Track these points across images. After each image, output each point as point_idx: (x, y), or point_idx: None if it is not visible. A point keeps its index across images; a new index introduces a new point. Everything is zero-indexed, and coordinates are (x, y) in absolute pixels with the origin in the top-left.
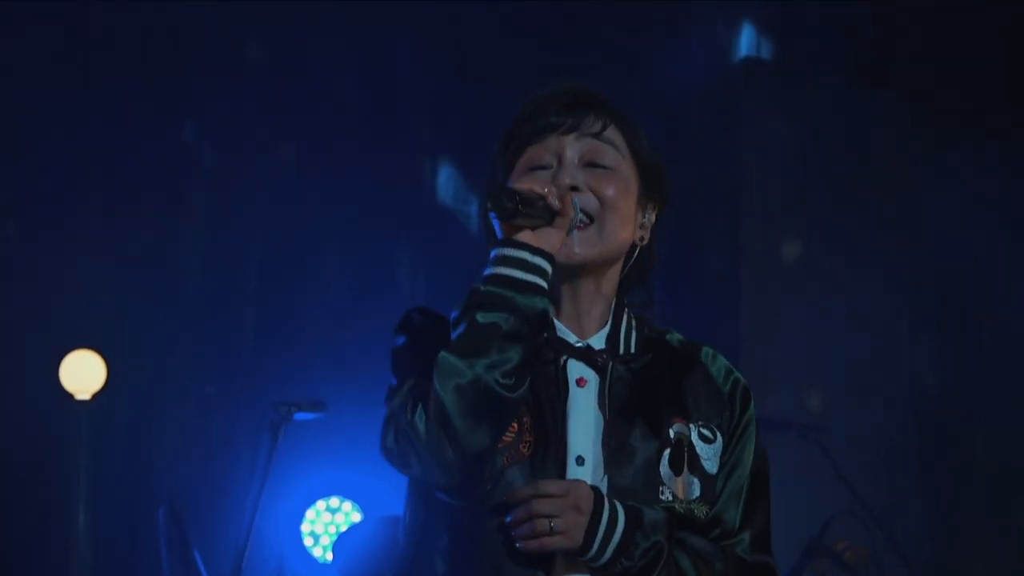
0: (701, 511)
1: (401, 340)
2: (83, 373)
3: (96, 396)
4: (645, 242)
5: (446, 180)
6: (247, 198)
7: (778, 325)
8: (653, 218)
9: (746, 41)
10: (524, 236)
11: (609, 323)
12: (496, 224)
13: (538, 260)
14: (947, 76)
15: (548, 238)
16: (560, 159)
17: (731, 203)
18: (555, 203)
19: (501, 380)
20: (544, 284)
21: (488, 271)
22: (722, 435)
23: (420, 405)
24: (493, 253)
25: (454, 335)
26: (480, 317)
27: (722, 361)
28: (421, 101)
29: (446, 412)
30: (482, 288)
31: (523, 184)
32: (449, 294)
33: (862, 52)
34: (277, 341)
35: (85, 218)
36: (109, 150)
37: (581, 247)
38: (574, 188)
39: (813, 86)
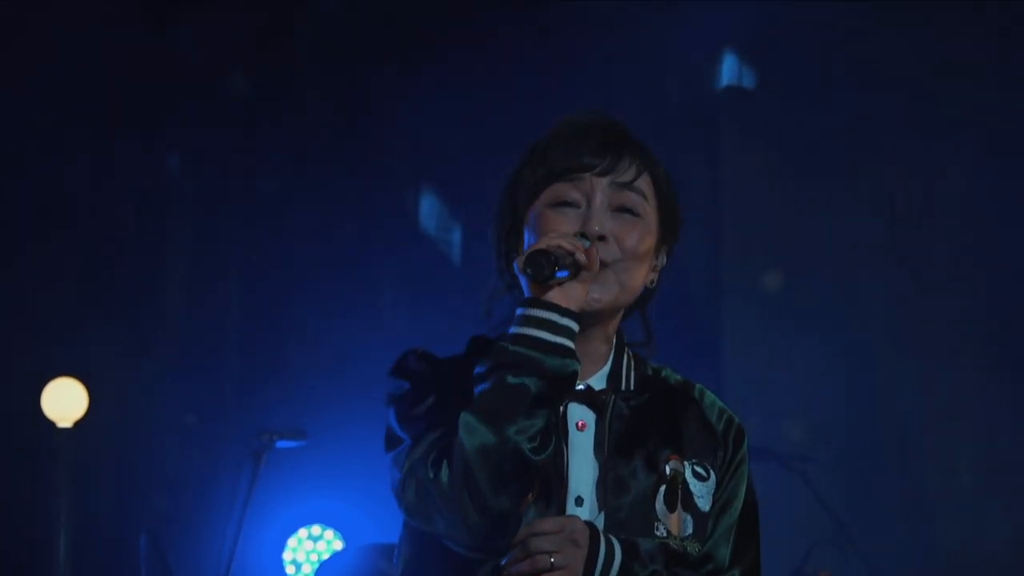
0: (694, 548)
1: (403, 387)
2: (65, 401)
3: (78, 424)
4: (654, 284)
5: (429, 209)
6: (229, 228)
7: (760, 354)
8: (665, 260)
9: (727, 69)
10: (553, 295)
11: (610, 362)
12: (524, 281)
13: (567, 321)
14: (926, 104)
15: (573, 293)
16: (590, 201)
17: (712, 231)
18: (583, 259)
19: (528, 444)
20: (572, 345)
21: (514, 330)
22: (715, 473)
23: (444, 462)
24: (519, 311)
25: (478, 390)
26: (509, 378)
27: (714, 399)
28: (403, 130)
29: (472, 475)
30: (510, 348)
31: (552, 241)
32: (430, 323)
33: (841, 80)
34: (258, 370)
35: (67, 247)
36: (91, 180)
37: (599, 291)
38: (601, 238)
39: (793, 114)
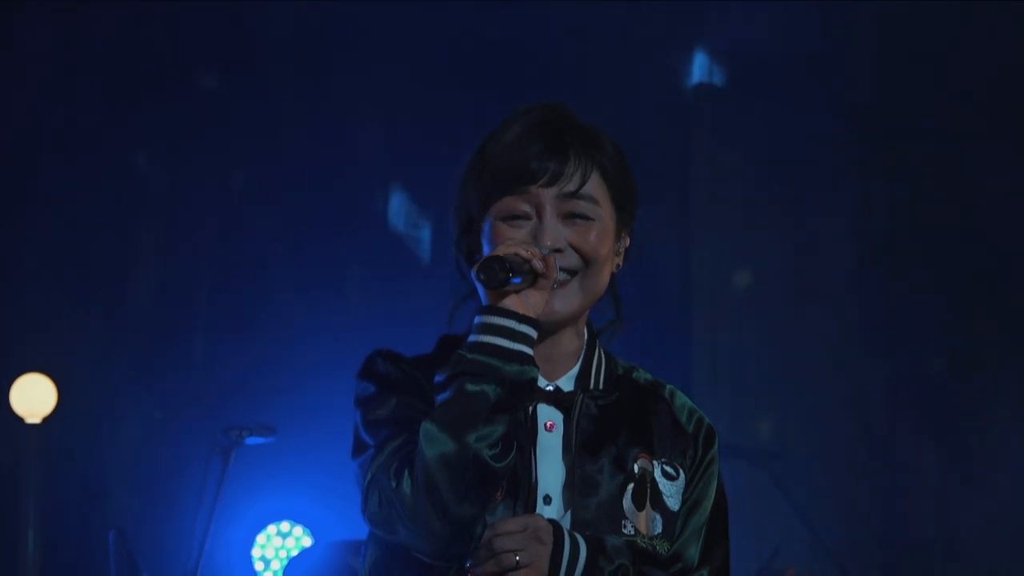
0: (663, 547)
1: (369, 390)
2: (33, 397)
3: (46, 420)
4: (620, 268)
5: (397, 206)
6: (197, 224)
7: (728, 351)
8: (627, 241)
9: (698, 67)
10: (510, 302)
11: (580, 362)
12: (481, 289)
13: (524, 328)
14: (894, 103)
15: (532, 300)
16: (539, 212)
17: (681, 229)
18: (539, 266)
19: (489, 452)
20: (531, 351)
21: (473, 338)
22: (685, 473)
23: (405, 472)
24: (478, 319)
25: (439, 399)
26: (468, 386)
27: (684, 399)
28: (372, 126)
29: (434, 483)
30: (468, 356)
31: (508, 249)
32: (400, 320)
33: (812, 78)
34: (227, 366)
35: (36, 243)
36: (60, 176)
37: (561, 304)
38: (557, 250)
39: (764, 113)
